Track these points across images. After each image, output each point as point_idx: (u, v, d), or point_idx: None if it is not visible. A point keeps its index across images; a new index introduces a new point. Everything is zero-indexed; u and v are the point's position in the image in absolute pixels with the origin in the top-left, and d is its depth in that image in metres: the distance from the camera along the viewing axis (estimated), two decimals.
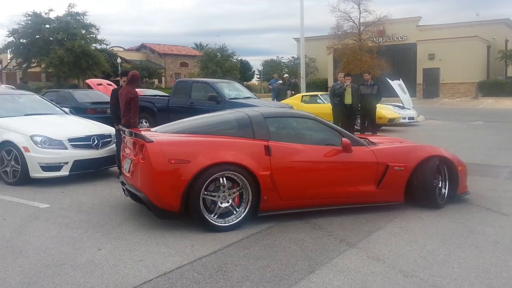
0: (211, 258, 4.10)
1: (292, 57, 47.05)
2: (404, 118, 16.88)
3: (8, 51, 40.18)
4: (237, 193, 4.89)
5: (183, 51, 63.70)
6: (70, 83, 39.17)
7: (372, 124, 12.75)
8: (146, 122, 12.95)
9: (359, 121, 13.07)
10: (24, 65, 39.66)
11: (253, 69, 65.47)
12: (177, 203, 4.67)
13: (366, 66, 30.06)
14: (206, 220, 4.74)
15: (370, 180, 5.42)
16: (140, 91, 20.59)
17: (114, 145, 7.49)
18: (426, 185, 5.52)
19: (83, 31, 39.01)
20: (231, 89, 12.61)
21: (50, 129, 7.09)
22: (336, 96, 11.86)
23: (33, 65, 40.08)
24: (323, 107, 15.46)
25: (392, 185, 5.48)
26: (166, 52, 61.59)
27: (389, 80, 19.03)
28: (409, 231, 4.89)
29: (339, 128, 5.87)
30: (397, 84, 18.77)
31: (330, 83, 35.40)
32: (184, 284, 3.57)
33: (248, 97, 12.57)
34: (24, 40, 38.35)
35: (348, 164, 5.36)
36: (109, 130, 7.82)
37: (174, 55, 62.02)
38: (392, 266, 3.95)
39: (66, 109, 8.93)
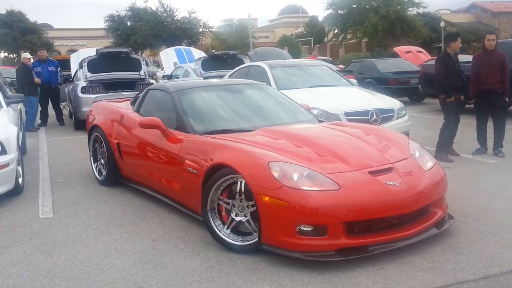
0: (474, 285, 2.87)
1: None
2: None
3: (325, 24, 42.44)
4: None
5: None
6: (389, 52, 38.88)
7: None
8: None
9: None
10: (340, 37, 41.23)
11: None
12: None
13: None
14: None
15: (175, 176, 4.29)
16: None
17: (396, 121, 6.71)
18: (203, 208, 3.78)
19: None
20: None
21: (329, 102, 6.75)
22: None
23: (348, 36, 40.92)
24: None
25: (189, 191, 4.06)
26: (501, 11, 54.31)
27: None
28: None
29: (182, 108, 4.59)
30: None
31: None
32: None
33: None
34: (341, 11, 39.14)
35: (159, 150, 4.51)
36: (392, 104, 7.03)
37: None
38: None
39: (354, 81, 8.56)
